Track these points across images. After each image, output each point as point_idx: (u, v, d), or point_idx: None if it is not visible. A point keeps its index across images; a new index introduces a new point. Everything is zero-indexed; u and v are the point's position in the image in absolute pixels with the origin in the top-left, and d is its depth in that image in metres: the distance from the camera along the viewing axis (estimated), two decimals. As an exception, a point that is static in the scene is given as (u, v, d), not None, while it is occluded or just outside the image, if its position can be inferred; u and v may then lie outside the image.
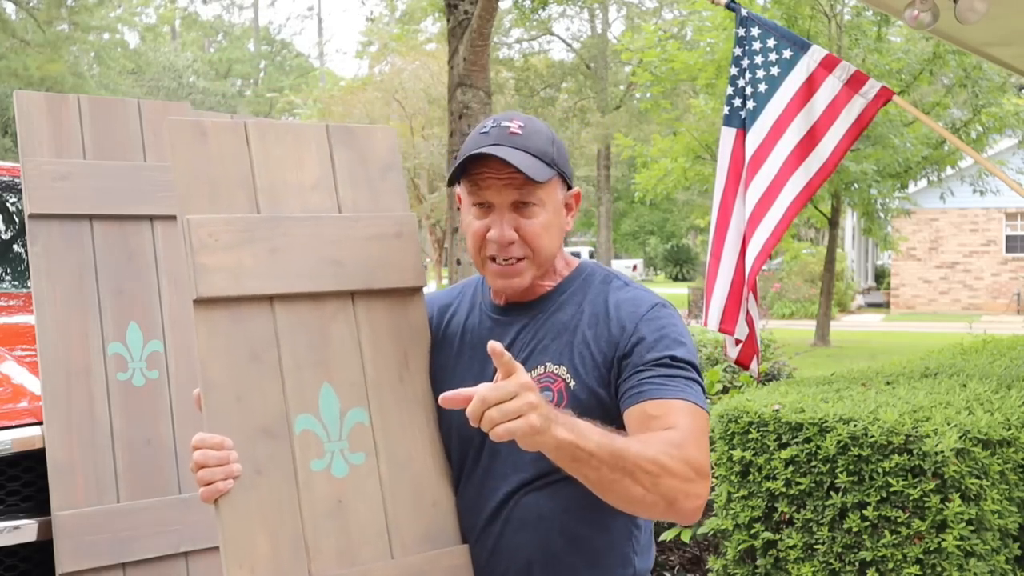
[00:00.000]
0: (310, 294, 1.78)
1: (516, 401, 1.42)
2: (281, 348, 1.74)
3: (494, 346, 1.46)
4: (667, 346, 1.71)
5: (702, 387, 1.72)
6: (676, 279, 42.10)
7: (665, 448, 1.57)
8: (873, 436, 3.00)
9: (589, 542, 1.77)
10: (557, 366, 1.75)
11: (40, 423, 2.51)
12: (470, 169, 1.75)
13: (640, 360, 1.70)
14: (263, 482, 1.67)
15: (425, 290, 2.01)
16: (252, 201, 1.77)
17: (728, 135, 4.17)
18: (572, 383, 1.73)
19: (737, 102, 4.17)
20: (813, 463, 3.11)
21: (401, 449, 1.81)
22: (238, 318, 1.71)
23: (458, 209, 1.90)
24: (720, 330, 4.09)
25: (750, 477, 3.26)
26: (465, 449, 1.82)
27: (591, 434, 1.51)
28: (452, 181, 1.78)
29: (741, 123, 4.14)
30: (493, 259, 1.77)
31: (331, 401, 1.76)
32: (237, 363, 1.69)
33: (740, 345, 4.15)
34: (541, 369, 1.75)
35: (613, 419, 1.69)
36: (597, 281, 1.84)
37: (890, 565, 2.98)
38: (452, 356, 1.86)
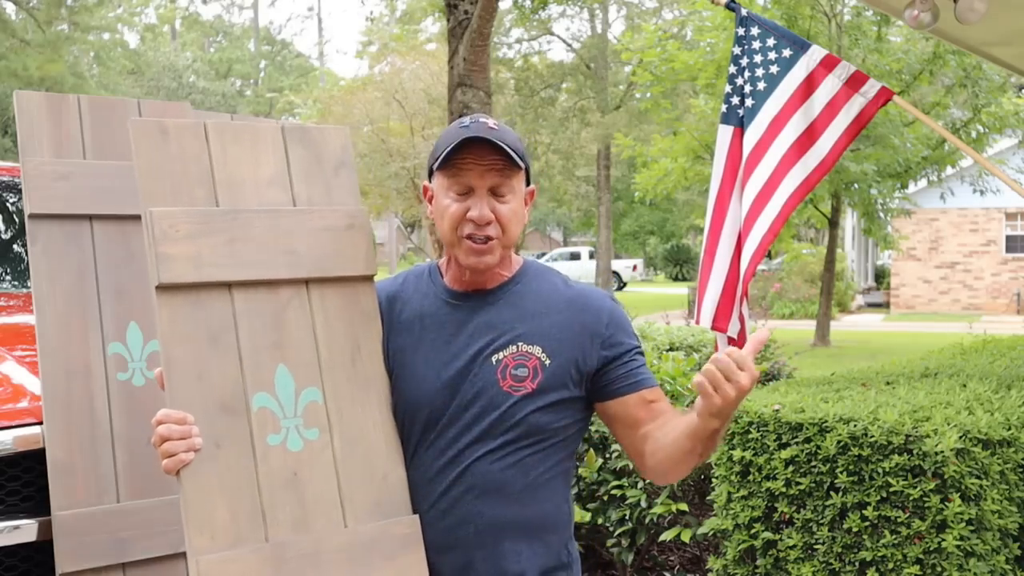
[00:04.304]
0: (266, 281, 1.90)
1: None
2: (239, 331, 1.85)
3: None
4: (629, 336, 2.02)
5: None
6: (676, 279, 42.10)
7: None
8: (873, 436, 3.00)
9: (541, 507, 1.96)
10: (530, 346, 1.94)
11: (40, 423, 2.51)
12: (453, 157, 1.91)
13: (617, 351, 1.98)
14: (222, 455, 1.78)
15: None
16: (211, 195, 1.89)
17: (725, 133, 4.17)
18: (547, 361, 1.94)
19: (735, 100, 4.17)
20: (813, 463, 3.11)
21: (353, 426, 1.92)
22: (198, 303, 1.83)
23: (427, 201, 2.04)
24: (713, 328, 4.08)
25: (750, 477, 3.26)
26: (430, 421, 1.94)
27: None
28: (441, 165, 1.93)
29: (739, 121, 4.14)
30: (468, 237, 1.93)
31: (286, 381, 1.88)
32: (197, 344, 1.81)
33: (731, 345, 4.14)
34: (514, 348, 1.94)
35: (574, 394, 1.96)
36: (544, 276, 2.06)
37: (890, 565, 2.98)
38: (415, 339, 2.00)
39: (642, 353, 2.03)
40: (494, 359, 1.94)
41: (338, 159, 2.05)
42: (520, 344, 1.95)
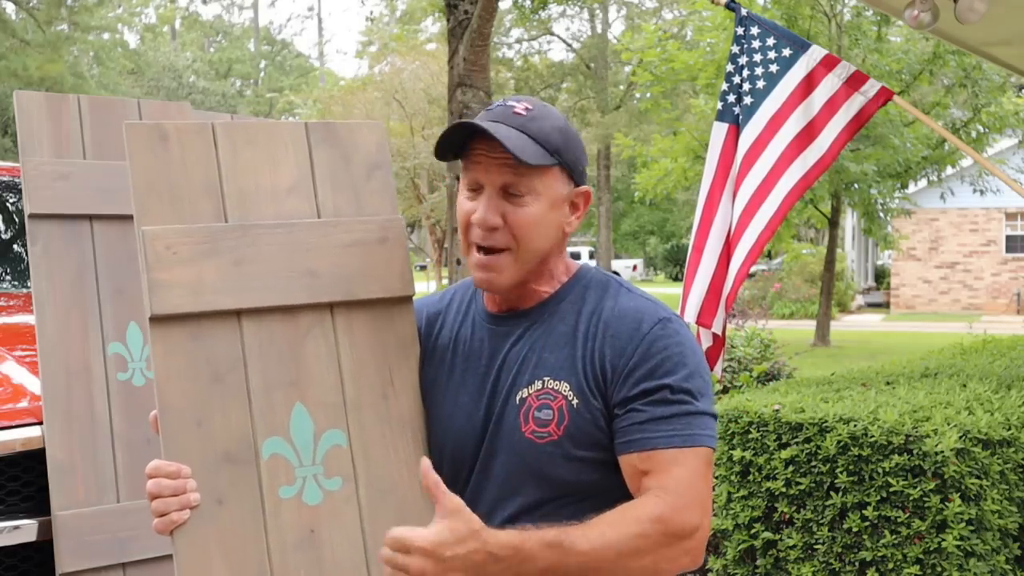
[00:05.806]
0: (281, 308, 1.66)
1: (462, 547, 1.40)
2: (248, 367, 1.63)
3: (428, 479, 1.41)
4: (666, 372, 1.59)
5: (706, 413, 1.60)
6: (676, 279, 42.14)
7: (639, 528, 1.49)
8: (873, 436, 3.00)
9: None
10: (557, 382, 1.62)
11: (40, 423, 2.51)
12: (467, 146, 1.64)
13: (632, 391, 1.59)
14: (225, 512, 1.57)
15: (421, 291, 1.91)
16: (219, 209, 1.66)
17: (720, 130, 4.19)
18: (575, 401, 1.61)
19: (731, 98, 4.18)
20: (813, 463, 3.11)
21: (384, 473, 1.68)
22: (199, 336, 1.61)
23: None
24: (697, 323, 4.09)
25: (750, 477, 3.26)
26: (458, 470, 1.69)
27: (543, 553, 1.44)
28: (438, 153, 1.67)
29: (734, 119, 4.16)
30: (478, 248, 1.65)
31: (304, 423, 1.65)
32: (197, 385, 1.59)
33: (716, 341, 4.13)
34: (539, 385, 1.63)
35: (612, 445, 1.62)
36: (598, 288, 1.71)
37: (890, 565, 2.98)
38: (444, 371, 1.74)
39: (675, 395, 1.57)
40: (518, 398, 1.64)
41: (371, 160, 1.79)
42: (546, 379, 1.62)
